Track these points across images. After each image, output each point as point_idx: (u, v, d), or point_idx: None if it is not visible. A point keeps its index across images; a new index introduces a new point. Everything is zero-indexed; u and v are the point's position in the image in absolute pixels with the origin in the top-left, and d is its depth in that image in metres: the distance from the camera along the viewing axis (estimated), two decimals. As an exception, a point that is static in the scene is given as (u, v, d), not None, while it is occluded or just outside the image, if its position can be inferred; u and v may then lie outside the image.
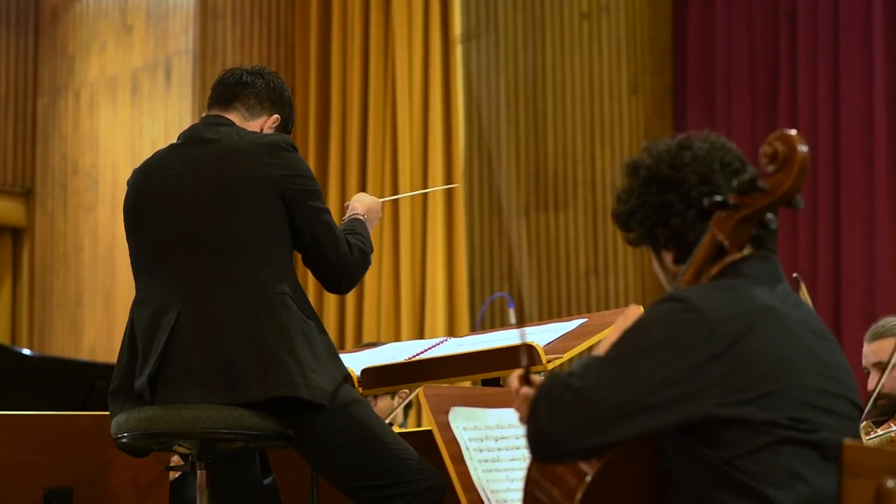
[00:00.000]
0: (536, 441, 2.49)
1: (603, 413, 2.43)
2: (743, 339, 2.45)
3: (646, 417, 2.43)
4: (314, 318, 3.70)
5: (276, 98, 3.96)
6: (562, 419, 2.44)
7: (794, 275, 4.24)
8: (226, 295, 3.61)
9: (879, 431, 4.54)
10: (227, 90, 3.94)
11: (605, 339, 2.65)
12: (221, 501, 3.92)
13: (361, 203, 4.11)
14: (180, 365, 3.59)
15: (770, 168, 2.54)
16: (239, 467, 3.92)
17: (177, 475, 4.92)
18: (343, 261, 3.78)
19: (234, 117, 3.89)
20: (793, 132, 2.55)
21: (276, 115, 3.94)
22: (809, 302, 4.16)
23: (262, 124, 3.91)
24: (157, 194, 3.77)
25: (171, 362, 3.60)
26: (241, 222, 3.66)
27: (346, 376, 3.67)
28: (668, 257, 2.68)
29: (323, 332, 3.70)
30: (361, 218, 4.05)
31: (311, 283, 7.69)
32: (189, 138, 3.85)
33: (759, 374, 2.44)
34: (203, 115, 3.97)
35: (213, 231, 3.66)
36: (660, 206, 2.64)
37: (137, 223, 3.82)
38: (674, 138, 2.70)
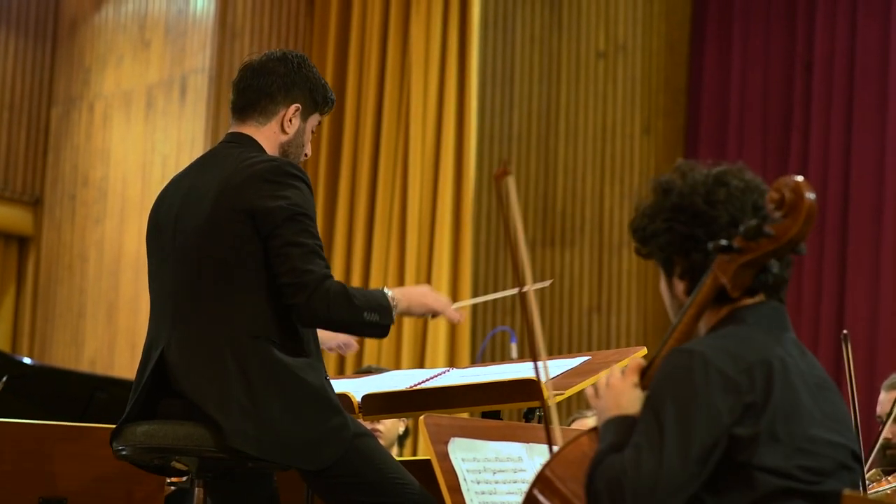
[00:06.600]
0: None
1: (670, 489, 2.40)
2: (760, 389, 2.45)
3: (701, 472, 2.42)
4: (306, 356, 3.58)
5: (289, 85, 3.76)
6: None
7: (844, 332, 4.27)
8: (201, 340, 3.55)
9: (893, 481, 4.58)
10: (238, 100, 3.80)
11: (602, 378, 2.64)
12: None
13: (409, 295, 3.70)
14: (157, 405, 3.61)
15: (777, 214, 2.53)
16: (254, 484, 3.87)
17: (171, 490, 4.92)
18: (296, 285, 3.48)
19: (249, 129, 3.76)
20: (800, 178, 2.54)
21: (296, 105, 3.77)
22: (851, 362, 4.19)
23: (282, 119, 3.75)
24: (164, 224, 3.73)
25: (149, 400, 3.61)
26: (224, 263, 3.56)
27: (337, 426, 3.53)
28: (679, 286, 2.67)
29: (315, 372, 3.57)
30: (388, 294, 3.63)
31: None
32: (203, 162, 3.78)
33: (768, 422, 2.45)
34: (227, 132, 3.86)
35: (199, 271, 3.59)
36: (685, 238, 2.63)
37: (149, 249, 3.80)
38: (709, 168, 2.69)
